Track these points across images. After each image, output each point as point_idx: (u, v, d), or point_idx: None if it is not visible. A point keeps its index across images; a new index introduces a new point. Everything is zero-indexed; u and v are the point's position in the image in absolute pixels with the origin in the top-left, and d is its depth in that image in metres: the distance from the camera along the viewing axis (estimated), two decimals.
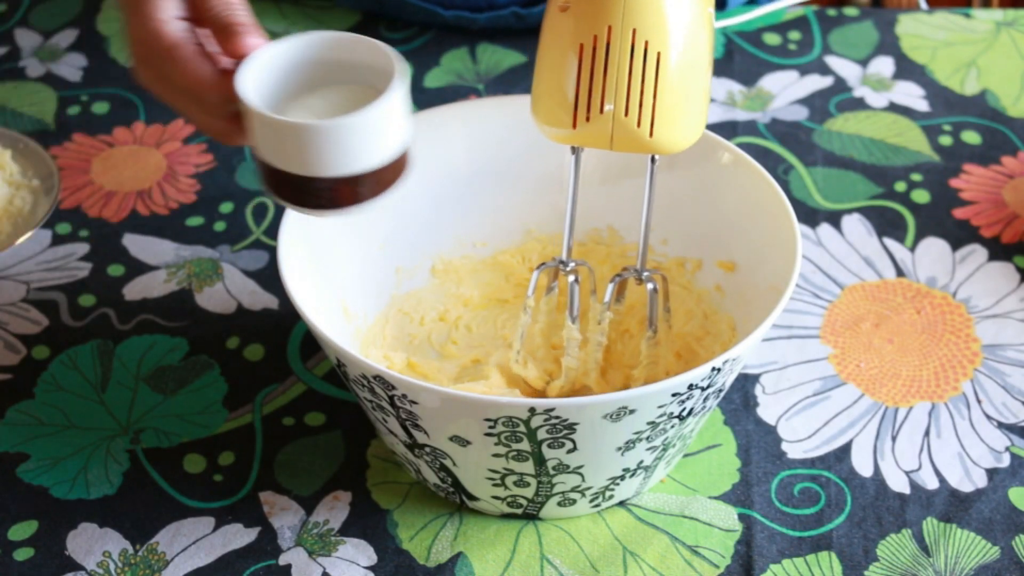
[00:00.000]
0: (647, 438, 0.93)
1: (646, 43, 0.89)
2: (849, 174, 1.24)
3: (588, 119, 0.91)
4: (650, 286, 1.00)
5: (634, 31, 0.89)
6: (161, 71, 0.88)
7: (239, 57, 0.87)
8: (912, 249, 1.18)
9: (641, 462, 0.96)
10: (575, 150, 0.97)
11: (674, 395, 0.90)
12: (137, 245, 1.19)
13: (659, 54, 0.89)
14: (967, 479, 1.02)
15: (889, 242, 1.19)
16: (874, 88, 1.33)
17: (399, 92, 0.87)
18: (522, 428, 0.89)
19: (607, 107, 0.90)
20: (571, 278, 1.01)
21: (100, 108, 1.32)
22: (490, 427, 0.90)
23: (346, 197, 0.88)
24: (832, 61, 1.35)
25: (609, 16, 0.89)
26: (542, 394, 1.06)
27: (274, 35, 1.40)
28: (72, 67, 1.36)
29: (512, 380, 1.06)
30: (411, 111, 0.89)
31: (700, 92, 0.92)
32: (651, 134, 0.90)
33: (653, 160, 0.96)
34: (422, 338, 1.09)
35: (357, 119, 0.85)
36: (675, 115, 0.91)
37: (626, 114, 0.90)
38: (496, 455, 0.92)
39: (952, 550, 0.98)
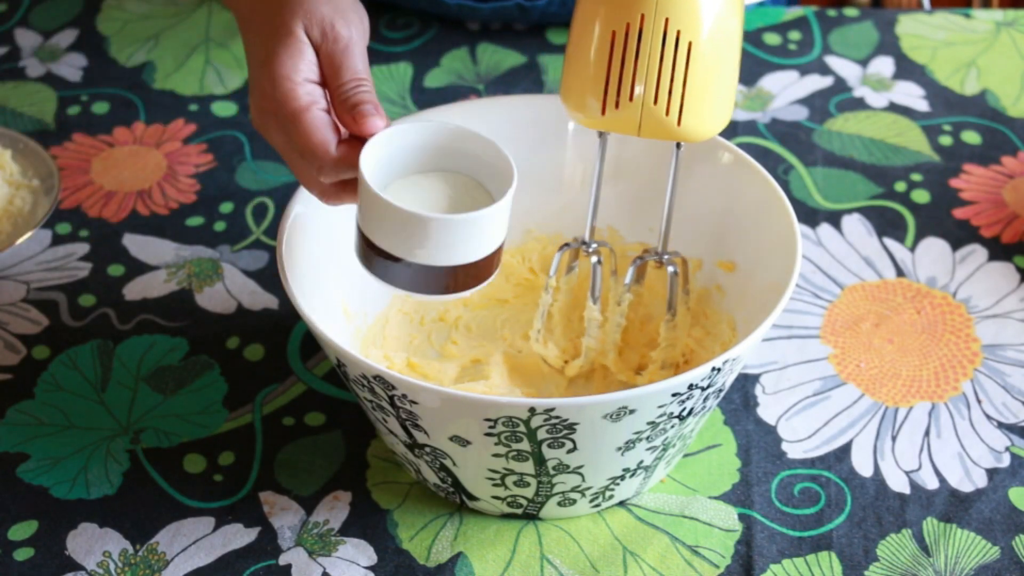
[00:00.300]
0: (647, 438, 0.93)
1: (678, 32, 0.90)
2: (849, 174, 1.24)
3: (617, 106, 0.92)
4: (670, 269, 1.01)
5: (667, 20, 0.90)
6: (284, 128, 0.90)
7: (362, 136, 0.90)
8: (912, 249, 1.18)
9: (641, 462, 0.96)
10: (602, 135, 0.99)
11: (674, 395, 0.90)
12: (137, 245, 1.19)
13: (690, 43, 0.90)
14: (967, 479, 1.02)
15: (889, 242, 1.19)
16: (874, 88, 1.33)
17: (510, 199, 0.89)
18: (522, 428, 0.89)
19: (636, 94, 0.91)
20: (594, 259, 1.02)
21: (100, 108, 1.32)
22: (490, 427, 0.90)
23: (434, 285, 0.91)
24: (832, 61, 1.35)
25: (643, 4, 0.90)
26: (560, 372, 1.07)
27: None
28: (72, 67, 1.36)
29: (514, 377, 1.06)
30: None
31: (729, 81, 0.93)
32: (679, 122, 0.92)
33: (679, 146, 0.97)
34: (422, 338, 1.09)
35: (467, 219, 0.88)
36: (703, 104, 0.92)
37: (655, 102, 0.91)
38: (496, 455, 0.92)
39: (952, 550, 0.98)
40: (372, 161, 0.90)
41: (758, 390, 1.08)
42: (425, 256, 0.89)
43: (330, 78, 0.91)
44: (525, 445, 0.91)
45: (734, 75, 0.94)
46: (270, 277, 1.16)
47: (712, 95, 0.92)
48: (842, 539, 0.99)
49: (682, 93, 0.91)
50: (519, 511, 0.99)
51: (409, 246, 0.89)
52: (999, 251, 1.18)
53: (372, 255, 0.91)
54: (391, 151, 0.92)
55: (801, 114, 1.30)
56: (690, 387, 0.90)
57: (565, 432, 0.90)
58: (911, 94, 1.32)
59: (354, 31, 0.91)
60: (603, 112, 0.92)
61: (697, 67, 0.91)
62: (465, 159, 0.93)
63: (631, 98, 0.92)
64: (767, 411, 1.06)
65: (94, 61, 1.37)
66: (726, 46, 0.92)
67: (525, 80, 1.34)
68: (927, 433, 1.05)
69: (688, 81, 0.91)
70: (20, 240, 1.16)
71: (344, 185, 0.92)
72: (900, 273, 1.16)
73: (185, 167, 1.26)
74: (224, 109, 1.31)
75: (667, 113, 0.92)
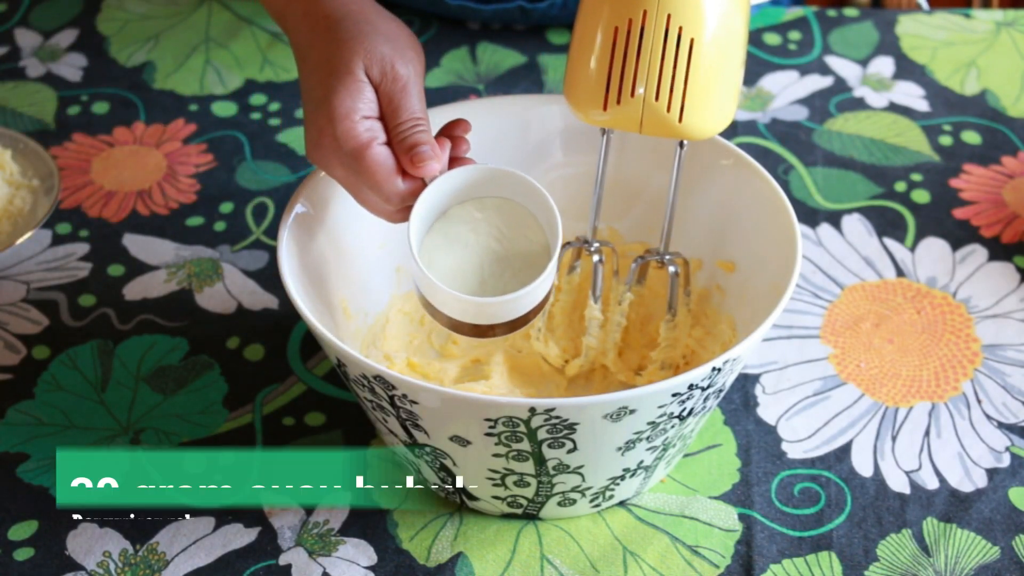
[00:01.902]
0: (647, 438, 0.93)
1: (680, 29, 0.90)
2: (849, 174, 1.24)
3: (619, 102, 0.92)
4: (671, 269, 1.01)
5: (669, 16, 0.90)
6: (345, 163, 0.93)
7: (418, 177, 0.93)
8: (912, 249, 1.18)
9: (641, 462, 0.96)
10: (605, 132, 0.98)
11: (674, 395, 0.90)
12: (137, 245, 1.19)
13: (692, 40, 0.90)
14: (967, 479, 1.02)
15: (889, 242, 1.19)
16: (874, 88, 1.33)
17: (553, 267, 0.93)
18: (522, 428, 0.89)
19: (638, 91, 0.91)
20: (595, 258, 1.02)
21: (100, 108, 1.32)
22: (490, 427, 0.90)
23: (481, 333, 0.95)
24: (832, 61, 1.35)
25: (645, 1, 0.90)
26: (560, 372, 1.07)
27: (275, 35, 1.41)
28: (72, 67, 1.36)
29: (514, 377, 1.06)
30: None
31: (732, 79, 0.93)
32: (680, 119, 0.92)
33: (682, 145, 0.97)
34: (422, 338, 1.09)
35: (510, 298, 0.92)
36: (705, 101, 0.92)
37: (656, 98, 0.91)
38: (496, 455, 0.92)
39: (952, 550, 0.98)
40: (426, 200, 0.93)
41: (758, 390, 1.08)
42: (470, 317, 0.93)
43: (389, 117, 0.93)
44: (525, 445, 0.91)
45: (737, 73, 0.94)
46: (270, 277, 1.16)
47: (714, 93, 0.92)
48: (842, 539, 0.99)
49: (684, 90, 0.91)
50: (519, 511, 0.99)
51: (451, 309, 0.93)
52: (999, 251, 1.18)
53: (423, 296, 0.95)
54: (446, 186, 0.94)
55: (801, 114, 1.30)
56: (690, 387, 0.90)
57: (565, 432, 0.90)
58: (911, 94, 1.32)
59: (412, 69, 0.94)
60: (605, 108, 0.93)
61: (699, 64, 0.91)
62: (513, 191, 0.95)
63: (632, 94, 0.92)
64: (767, 411, 1.06)
65: (94, 61, 1.37)
66: (729, 44, 0.92)
67: (525, 80, 1.34)
68: (927, 433, 1.05)
69: (690, 78, 0.91)
70: (20, 240, 1.16)
71: (408, 211, 0.94)
72: (900, 273, 1.16)
73: (185, 167, 1.26)
74: (224, 109, 1.31)
75: (668, 110, 0.92)
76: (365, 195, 0.94)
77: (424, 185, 0.93)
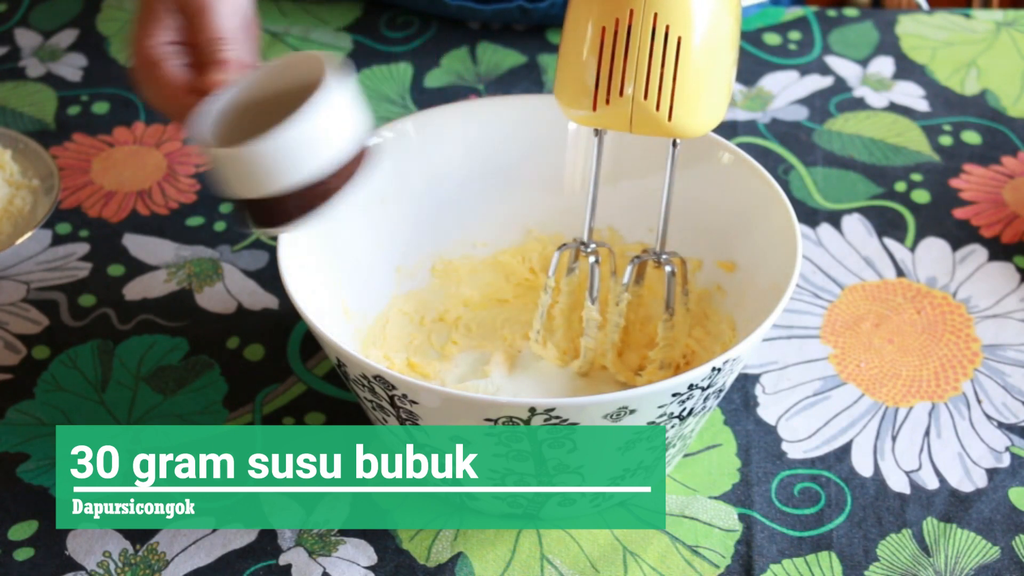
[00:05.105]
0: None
1: (667, 27, 0.90)
2: (849, 174, 1.24)
3: (608, 102, 0.92)
4: (668, 269, 1.01)
5: (656, 15, 0.90)
6: (142, 81, 0.96)
7: (209, 90, 0.92)
8: (912, 249, 1.18)
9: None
10: (598, 132, 0.98)
11: (674, 395, 0.90)
12: (137, 245, 1.19)
13: (680, 39, 0.90)
14: (967, 479, 1.02)
15: (889, 242, 1.19)
16: (874, 88, 1.33)
17: (317, 108, 0.87)
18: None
19: (627, 90, 0.91)
20: (592, 259, 1.02)
21: (100, 108, 1.32)
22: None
23: (288, 212, 0.90)
24: (832, 61, 1.35)
25: (632, 0, 0.90)
26: (561, 372, 1.07)
27: (274, 35, 1.41)
28: (72, 67, 1.36)
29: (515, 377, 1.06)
30: (353, 116, 0.90)
31: (721, 78, 0.93)
32: (670, 118, 0.92)
33: (674, 144, 0.97)
34: (422, 338, 1.09)
35: (264, 143, 0.87)
36: (695, 100, 0.92)
37: (645, 97, 0.91)
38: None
39: (952, 550, 0.98)
40: (216, 119, 0.91)
41: (758, 390, 1.08)
42: (253, 188, 0.89)
43: (193, 39, 0.94)
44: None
45: (728, 72, 0.94)
46: (270, 277, 1.16)
47: (704, 91, 0.92)
48: (842, 539, 0.99)
49: (672, 89, 0.91)
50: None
51: (239, 182, 0.89)
52: (999, 251, 1.18)
53: (238, 209, 0.91)
54: (235, 108, 0.92)
55: (801, 114, 1.30)
56: (690, 387, 0.90)
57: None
58: (911, 94, 1.32)
59: None
60: (594, 108, 0.92)
61: (687, 63, 0.91)
62: (304, 88, 0.91)
63: (621, 94, 0.92)
64: (767, 411, 1.06)
65: (94, 61, 1.37)
66: (718, 42, 0.92)
67: (525, 80, 1.34)
68: (927, 433, 1.05)
69: (678, 77, 0.91)
70: (20, 240, 1.16)
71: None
72: (900, 273, 1.16)
73: (185, 167, 1.26)
74: None
75: (657, 109, 0.92)
76: (163, 109, 0.96)
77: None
